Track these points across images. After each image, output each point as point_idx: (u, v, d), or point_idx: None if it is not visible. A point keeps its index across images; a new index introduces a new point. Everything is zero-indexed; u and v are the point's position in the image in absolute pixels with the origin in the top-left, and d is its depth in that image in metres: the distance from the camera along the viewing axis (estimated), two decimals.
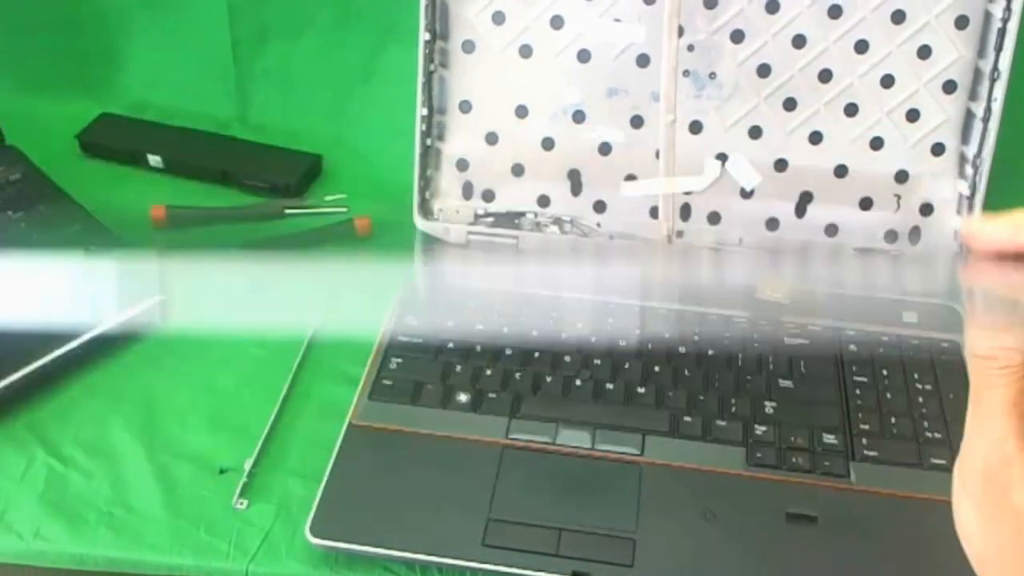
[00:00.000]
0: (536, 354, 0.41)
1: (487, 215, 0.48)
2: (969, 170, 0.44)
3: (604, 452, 0.38)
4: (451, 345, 0.42)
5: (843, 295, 0.44)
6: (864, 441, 0.38)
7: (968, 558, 0.26)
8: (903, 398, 0.40)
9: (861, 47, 0.42)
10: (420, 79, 0.45)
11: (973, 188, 0.43)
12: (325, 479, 0.37)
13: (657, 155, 0.46)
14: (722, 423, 0.39)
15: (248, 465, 0.38)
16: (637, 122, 0.46)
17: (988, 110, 0.42)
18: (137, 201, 0.51)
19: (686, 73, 0.44)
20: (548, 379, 0.40)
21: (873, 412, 0.39)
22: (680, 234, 0.46)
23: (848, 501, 0.36)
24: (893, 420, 0.39)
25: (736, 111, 0.45)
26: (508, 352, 0.42)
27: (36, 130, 0.53)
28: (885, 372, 0.41)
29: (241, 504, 0.37)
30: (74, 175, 0.51)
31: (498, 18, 0.45)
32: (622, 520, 0.35)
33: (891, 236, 0.46)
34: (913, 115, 0.43)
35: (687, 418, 0.39)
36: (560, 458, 0.37)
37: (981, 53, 0.41)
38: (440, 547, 0.34)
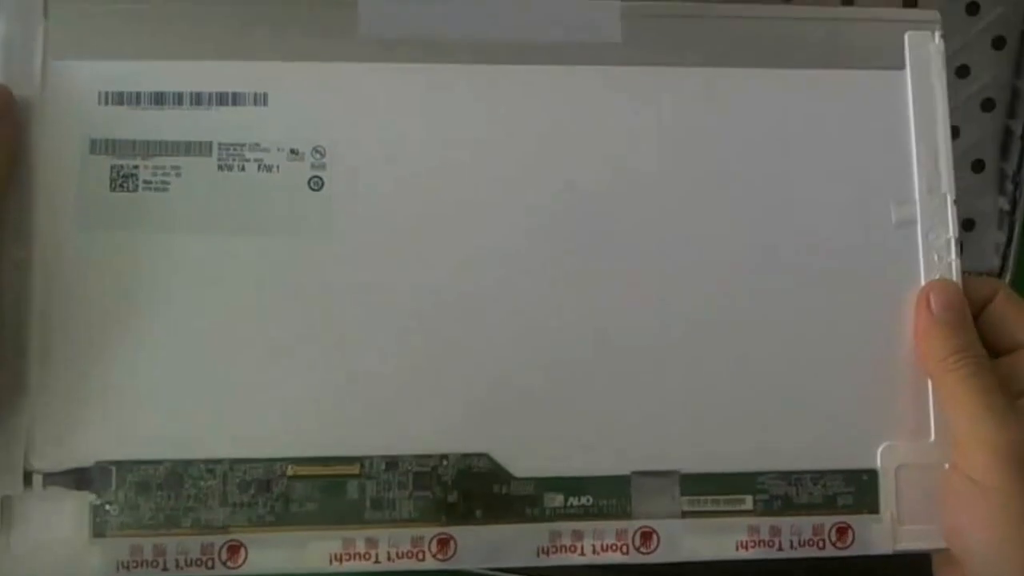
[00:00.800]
0: None
1: None
2: (1009, 186, 0.44)
3: None
4: None
5: None
6: None
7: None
8: None
9: None
10: None
11: (1013, 203, 0.44)
12: None
13: None
14: None
15: None
16: None
17: None
18: None
19: None
20: None
21: None
22: None
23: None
24: None
25: None
26: None
27: None
28: None
29: None
30: None
31: None
32: None
33: None
34: (953, 133, 0.39)
35: None
36: None
37: (1018, 73, 0.43)
38: None
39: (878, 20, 0.29)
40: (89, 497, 0.26)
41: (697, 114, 0.28)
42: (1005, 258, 0.44)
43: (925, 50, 0.29)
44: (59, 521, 0.25)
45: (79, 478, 0.26)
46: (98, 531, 0.25)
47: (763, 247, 0.28)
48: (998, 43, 0.43)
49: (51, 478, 0.25)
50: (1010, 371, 0.26)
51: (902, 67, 0.29)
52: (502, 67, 0.28)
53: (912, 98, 0.29)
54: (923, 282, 0.28)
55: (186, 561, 0.25)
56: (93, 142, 0.27)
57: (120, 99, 0.27)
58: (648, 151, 0.28)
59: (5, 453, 0.25)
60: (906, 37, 0.29)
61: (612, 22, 0.28)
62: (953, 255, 0.28)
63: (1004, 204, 0.45)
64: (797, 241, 0.28)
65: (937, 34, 0.29)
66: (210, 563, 0.26)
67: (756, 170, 0.28)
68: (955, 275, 0.28)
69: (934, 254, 0.28)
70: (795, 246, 0.28)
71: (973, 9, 0.43)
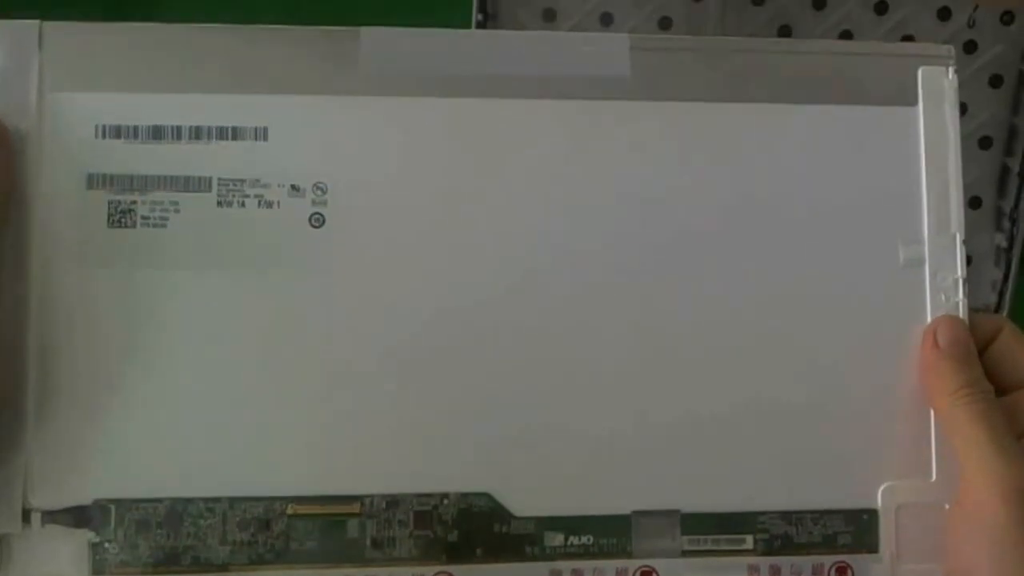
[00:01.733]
0: None
1: None
2: (1006, 223, 0.45)
3: None
4: None
5: None
6: None
7: None
8: None
9: None
10: None
11: (1010, 240, 0.44)
12: None
13: None
14: None
15: None
16: None
17: (1023, 165, 0.44)
18: None
19: None
20: None
21: None
22: None
23: None
24: None
25: None
26: None
27: None
28: None
29: None
30: None
31: None
32: None
33: None
34: None
35: None
36: None
37: (1015, 111, 0.44)
38: None
39: (889, 55, 0.28)
40: (88, 535, 0.25)
41: (705, 149, 0.28)
42: (1002, 295, 0.45)
43: (939, 86, 0.28)
44: (58, 560, 0.25)
45: (78, 516, 0.26)
46: (97, 569, 0.25)
47: (767, 284, 0.28)
48: (995, 81, 0.44)
49: (50, 516, 0.25)
50: (1014, 408, 0.26)
51: (914, 103, 0.28)
52: (508, 102, 0.27)
53: (924, 135, 0.28)
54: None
55: None
56: (90, 177, 0.26)
57: (117, 132, 0.26)
58: (655, 185, 0.28)
59: (3, 491, 0.25)
60: (919, 72, 0.28)
61: (621, 56, 0.28)
62: (961, 295, 0.28)
63: (1001, 241, 0.46)
64: (801, 279, 0.28)
65: (951, 69, 0.28)
66: None
67: (763, 206, 0.28)
68: (962, 315, 0.28)
69: (941, 295, 0.28)
70: (798, 284, 0.28)
71: (971, 48, 0.44)
